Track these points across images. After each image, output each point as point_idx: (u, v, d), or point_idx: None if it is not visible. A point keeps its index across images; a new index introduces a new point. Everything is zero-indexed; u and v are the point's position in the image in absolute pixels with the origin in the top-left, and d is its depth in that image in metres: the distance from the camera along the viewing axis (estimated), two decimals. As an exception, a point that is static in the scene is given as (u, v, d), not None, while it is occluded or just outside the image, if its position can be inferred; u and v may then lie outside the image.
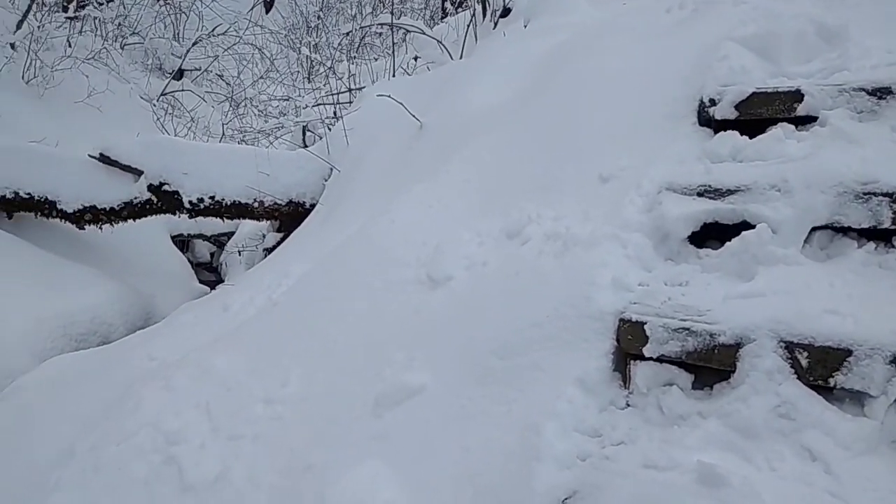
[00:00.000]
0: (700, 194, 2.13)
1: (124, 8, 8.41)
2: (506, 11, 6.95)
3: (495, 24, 6.97)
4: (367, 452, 1.91)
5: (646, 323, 1.75)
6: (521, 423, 1.76)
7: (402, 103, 3.98)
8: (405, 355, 2.16)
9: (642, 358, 1.76)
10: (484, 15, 7.29)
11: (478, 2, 7.22)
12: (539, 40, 4.33)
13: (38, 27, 6.28)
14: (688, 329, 1.71)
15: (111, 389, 2.72)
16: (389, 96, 4.03)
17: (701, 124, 2.51)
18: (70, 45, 6.61)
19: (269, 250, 5.44)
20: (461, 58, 6.98)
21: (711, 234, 2.14)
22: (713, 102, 2.48)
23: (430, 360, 2.11)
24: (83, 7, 7.66)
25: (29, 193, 4.65)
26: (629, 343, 1.77)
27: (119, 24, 8.08)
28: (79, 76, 6.34)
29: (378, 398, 2.05)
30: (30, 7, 6.58)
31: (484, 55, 5.20)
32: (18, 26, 6.43)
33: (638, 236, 2.09)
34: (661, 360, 1.75)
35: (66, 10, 7.37)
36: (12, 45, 6.18)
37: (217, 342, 2.68)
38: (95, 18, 7.82)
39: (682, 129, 2.52)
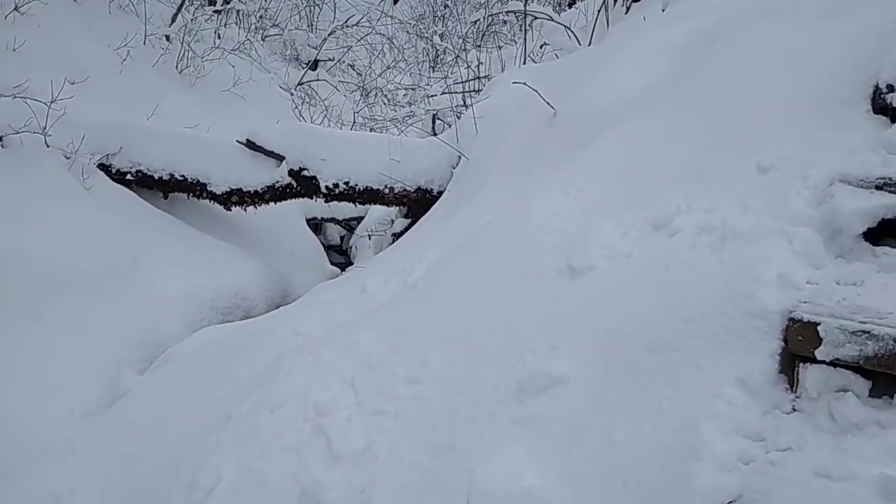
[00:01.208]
0: (878, 188, 1.96)
1: (265, 0, 8.88)
2: (639, -4, 6.70)
3: (627, 9, 6.74)
4: (511, 437, 1.92)
5: (819, 324, 1.63)
6: (675, 420, 1.70)
7: (536, 90, 3.95)
8: (547, 343, 2.15)
9: (813, 361, 1.65)
10: (615, -1, 7.07)
11: (610, -15, 6.99)
12: (681, 24, 4.14)
13: (191, 20, 6.75)
14: (868, 332, 1.58)
15: (261, 360, 2.89)
16: (525, 83, 4.00)
17: (876, 112, 2.31)
18: (219, 37, 7.06)
19: (397, 235, 5.58)
20: (590, 44, 6.82)
21: (888, 231, 1.97)
22: (891, 89, 2.27)
23: (573, 349, 2.08)
24: (228, 1, 8.15)
25: (183, 175, 5.02)
26: (799, 344, 1.67)
27: (261, 17, 8.54)
28: (225, 66, 6.77)
29: (520, 384, 2.05)
30: (183, 2, 7.08)
31: (619, 41, 5.04)
32: (173, 19, 6.94)
33: (806, 231, 1.95)
34: (834, 364, 1.63)
35: (213, 3, 7.87)
36: (167, 37, 6.68)
37: (359, 321, 2.78)
38: (239, 11, 8.30)
39: (854, 117, 2.33)
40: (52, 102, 4.51)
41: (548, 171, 3.13)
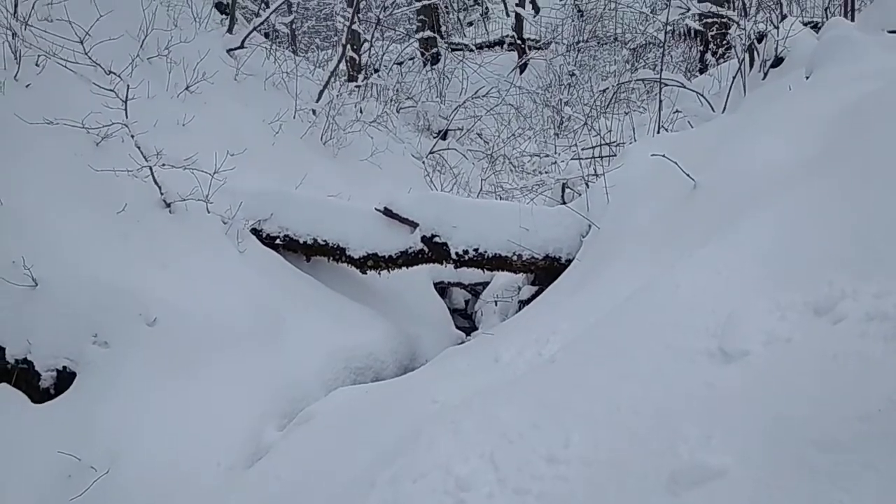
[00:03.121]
0: None
1: (401, 75, 9.43)
2: (778, 61, 6.52)
3: (765, 75, 6.57)
4: (665, 531, 1.84)
5: None
6: (854, 528, 1.57)
7: (676, 162, 3.90)
8: (700, 432, 2.06)
9: None
10: (751, 65, 6.91)
11: (745, 51, 6.86)
12: (831, 93, 3.98)
13: (336, 96, 7.28)
14: None
15: (399, 425, 2.95)
16: (664, 156, 3.96)
17: None
18: (360, 111, 7.55)
19: (523, 302, 5.59)
20: (724, 111, 6.67)
21: None
22: None
23: (730, 441, 1.98)
24: (367, 78, 8.75)
25: (325, 240, 5.32)
26: None
27: (397, 91, 9.08)
28: (364, 137, 7.21)
29: (673, 475, 1.97)
30: (329, 79, 7.66)
31: (760, 109, 4.91)
32: (319, 96, 7.51)
33: None
34: None
35: (355, 79, 8.46)
36: (314, 112, 7.22)
37: (496, 392, 2.79)
38: (377, 86, 8.87)
39: None
40: (214, 173, 4.96)
41: (692, 245, 3.05)
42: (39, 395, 3.86)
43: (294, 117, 6.86)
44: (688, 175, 3.89)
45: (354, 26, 8.08)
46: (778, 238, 2.70)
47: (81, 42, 4.61)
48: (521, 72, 11.35)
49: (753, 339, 2.28)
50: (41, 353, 3.89)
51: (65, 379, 3.88)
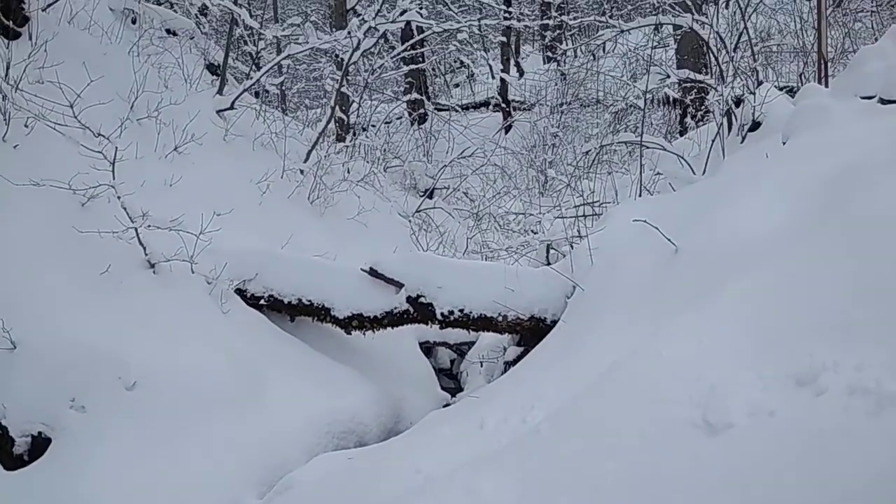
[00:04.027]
0: None
1: (389, 135, 9.59)
2: (755, 125, 6.70)
3: (743, 139, 6.73)
4: None
5: None
6: None
7: (657, 228, 3.96)
8: (688, 508, 2.04)
9: None
10: (729, 129, 7.09)
11: (723, 116, 7.05)
12: (808, 162, 4.07)
13: (325, 156, 7.36)
14: None
15: (382, 497, 2.90)
16: (645, 221, 4.02)
17: None
18: (348, 171, 7.63)
19: (509, 363, 5.56)
20: (704, 173, 6.80)
21: None
22: None
23: (718, 517, 1.96)
24: (355, 137, 8.88)
25: (310, 300, 5.30)
26: None
27: (384, 150, 9.22)
28: (351, 196, 7.25)
29: (660, 553, 1.94)
30: (317, 140, 7.76)
31: (739, 175, 5.02)
32: (308, 156, 7.58)
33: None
34: None
35: (343, 139, 8.58)
36: (301, 172, 7.28)
37: (481, 464, 2.75)
38: (364, 145, 9.00)
39: None
40: (200, 233, 4.95)
41: (674, 313, 3.08)
42: (12, 462, 3.75)
43: (282, 177, 6.91)
44: (669, 240, 3.94)
45: (343, 89, 8.23)
46: (759, 307, 2.73)
47: (71, 106, 4.66)
48: (506, 132, 11.59)
49: (737, 410, 2.28)
50: (16, 418, 3.79)
51: (39, 445, 3.78)
